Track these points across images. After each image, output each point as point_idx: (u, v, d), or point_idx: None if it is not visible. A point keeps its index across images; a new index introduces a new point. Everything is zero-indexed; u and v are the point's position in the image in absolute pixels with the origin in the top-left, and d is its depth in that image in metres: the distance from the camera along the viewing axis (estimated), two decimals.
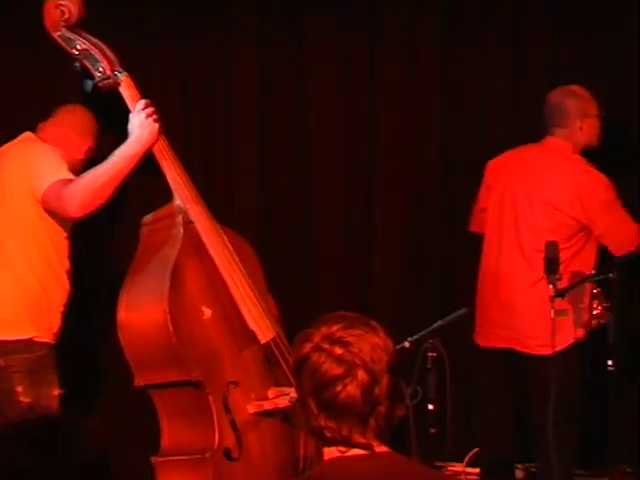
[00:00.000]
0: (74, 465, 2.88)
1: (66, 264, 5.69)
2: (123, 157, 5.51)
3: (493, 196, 6.49)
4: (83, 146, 5.92)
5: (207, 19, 6.93)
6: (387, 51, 7.14)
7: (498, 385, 6.53)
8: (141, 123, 5.52)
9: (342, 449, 3.15)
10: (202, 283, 5.69)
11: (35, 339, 5.56)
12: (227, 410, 5.54)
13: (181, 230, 5.60)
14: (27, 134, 5.85)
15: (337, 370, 3.08)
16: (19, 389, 5.49)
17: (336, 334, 3.11)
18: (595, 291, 6.19)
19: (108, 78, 5.59)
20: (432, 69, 7.20)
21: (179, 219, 5.62)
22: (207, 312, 5.65)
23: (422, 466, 3.55)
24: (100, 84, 5.59)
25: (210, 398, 5.45)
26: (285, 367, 5.65)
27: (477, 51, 7.19)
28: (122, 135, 5.59)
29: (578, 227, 6.28)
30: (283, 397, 5.61)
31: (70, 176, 5.55)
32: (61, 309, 5.68)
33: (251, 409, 5.60)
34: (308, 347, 3.11)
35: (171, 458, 5.47)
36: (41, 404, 5.44)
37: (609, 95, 6.73)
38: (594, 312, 6.21)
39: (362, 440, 3.12)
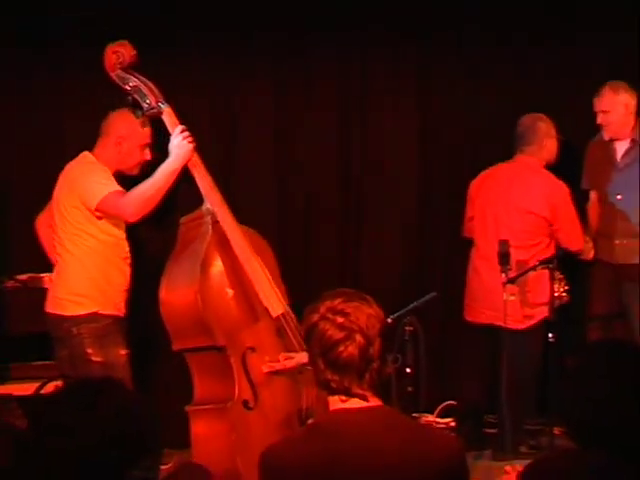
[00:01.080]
0: (112, 426, 3.06)
1: (123, 255, 5.87)
2: (165, 173, 5.76)
3: (477, 207, 6.79)
4: (141, 155, 5.98)
5: (231, 60, 7.10)
6: (375, 84, 7.33)
7: (476, 353, 6.91)
8: (179, 144, 5.77)
9: (343, 398, 3.31)
10: (226, 269, 5.90)
11: (99, 312, 5.74)
12: (245, 369, 5.76)
13: (209, 228, 5.85)
14: (84, 154, 5.92)
15: (339, 335, 3.27)
16: (90, 351, 5.65)
17: (338, 306, 3.31)
18: (559, 277, 6.39)
19: (153, 109, 5.85)
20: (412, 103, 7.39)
21: (208, 219, 5.86)
22: (230, 292, 5.87)
23: (408, 418, 3.68)
24: (147, 113, 5.89)
25: (231, 360, 5.68)
26: (292, 336, 5.92)
27: (451, 81, 7.39)
28: (164, 152, 5.87)
29: (547, 226, 6.59)
30: (290, 360, 5.83)
31: (119, 188, 5.76)
32: (123, 289, 5.88)
33: (265, 369, 5.82)
34: (316, 317, 3.31)
35: (201, 407, 5.71)
36: (110, 362, 5.62)
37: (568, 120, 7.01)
38: (555, 294, 6.35)
39: (359, 391, 3.29)
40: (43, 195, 6.47)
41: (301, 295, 6.46)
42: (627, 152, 6.92)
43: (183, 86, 6.86)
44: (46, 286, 6.24)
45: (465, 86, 7.45)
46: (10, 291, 6.49)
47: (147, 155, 5.94)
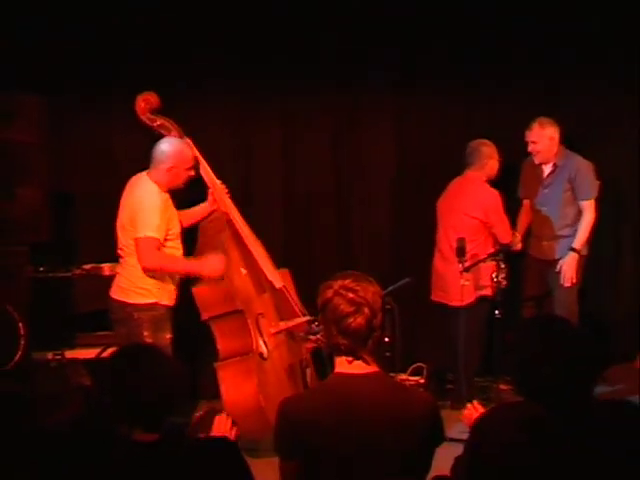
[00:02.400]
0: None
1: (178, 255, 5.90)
2: (186, 270, 5.89)
3: (437, 212, 7.16)
4: (187, 174, 5.94)
5: (247, 98, 7.35)
6: (362, 113, 7.66)
7: (440, 326, 7.23)
8: (214, 267, 5.87)
9: (350, 359, 3.42)
10: (239, 254, 6.22)
11: (158, 303, 5.81)
12: (259, 329, 6.12)
13: (225, 225, 6.21)
14: (145, 177, 5.83)
15: (350, 308, 3.37)
16: (145, 333, 5.70)
17: (349, 285, 3.41)
18: (503, 266, 6.71)
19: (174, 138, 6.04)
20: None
21: (223, 218, 6.23)
22: (243, 271, 6.24)
23: (396, 382, 3.88)
24: None
25: (248, 321, 6.05)
26: (293, 303, 6.38)
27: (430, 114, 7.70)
28: None
29: (482, 225, 6.94)
30: (289, 322, 6.31)
31: (155, 235, 5.68)
32: (176, 283, 5.91)
33: (272, 330, 6.21)
34: (330, 293, 3.42)
35: (226, 361, 6.00)
36: (157, 344, 5.42)
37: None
38: (495, 279, 6.69)
39: (363, 354, 3.42)
40: (100, 201, 6.86)
41: (305, 264, 7.15)
42: (550, 174, 7.13)
43: (209, 118, 7.11)
44: (105, 274, 6.48)
45: (433, 116, 7.77)
46: (77, 278, 6.69)
47: (192, 173, 5.96)
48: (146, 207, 5.72)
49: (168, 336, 5.85)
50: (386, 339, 6.20)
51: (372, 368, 3.46)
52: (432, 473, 3.54)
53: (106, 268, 6.57)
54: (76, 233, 7.09)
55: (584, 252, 7.11)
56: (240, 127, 7.43)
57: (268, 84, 7.33)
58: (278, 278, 6.41)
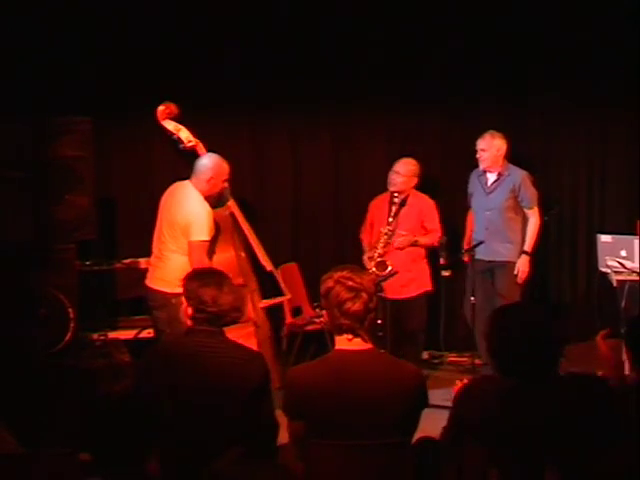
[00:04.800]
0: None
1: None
2: None
3: None
4: (223, 185, 5.93)
5: (261, 123, 7.27)
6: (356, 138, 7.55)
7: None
8: None
9: (350, 337, 3.44)
10: (240, 241, 6.26)
11: None
12: (253, 303, 6.19)
13: (230, 217, 6.22)
14: (189, 185, 5.82)
15: (350, 294, 3.41)
16: (181, 315, 5.37)
17: (347, 275, 3.45)
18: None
19: (191, 143, 6.12)
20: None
21: (227, 213, 6.21)
22: (243, 254, 6.30)
23: (390, 357, 3.76)
24: (187, 147, 6.14)
25: (247, 295, 6.12)
26: (282, 284, 6.50)
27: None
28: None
29: (423, 228, 6.83)
30: (274, 300, 6.46)
31: (208, 239, 5.69)
32: None
33: (260, 304, 6.29)
34: (331, 282, 3.46)
35: (230, 327, 5.66)
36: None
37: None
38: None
39: (360, 332, 3.44)
40: (136, 206, 6.94)
41: (312, 260, 7.11)
42: (494, 182, 6.93)
43: (230, 140, 7.01)
44: (141, 267, 6.44)
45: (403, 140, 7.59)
46: (118, 270, 6.74)
47: (226, 185, 5.96)
48: (201, 214, 5.74)
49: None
50: (379, 321, 6.18)
51: (368, 345, 3.48)
52: (417, 434, 3.58)
53: (142, 262, 6.53)
54: (117, 232, 7.11)
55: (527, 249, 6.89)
56: (253, 139, 7.42)
57: (277, 104, 7.29)
58: (269, 262, 6.45)
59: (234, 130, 7.24)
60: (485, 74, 7.53)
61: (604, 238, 6.79)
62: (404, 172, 6.79)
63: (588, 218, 7.97)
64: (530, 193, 6.92)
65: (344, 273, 3.47)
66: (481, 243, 6.73)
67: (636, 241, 6.60)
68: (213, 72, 7.06)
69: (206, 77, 6.99)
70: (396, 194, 6.76)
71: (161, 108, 6.12)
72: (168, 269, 5.77)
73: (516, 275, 6.85)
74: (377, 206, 6.98)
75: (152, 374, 3.68)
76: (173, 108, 6.13)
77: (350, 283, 3.42)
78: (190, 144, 6.17)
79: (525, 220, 6.92)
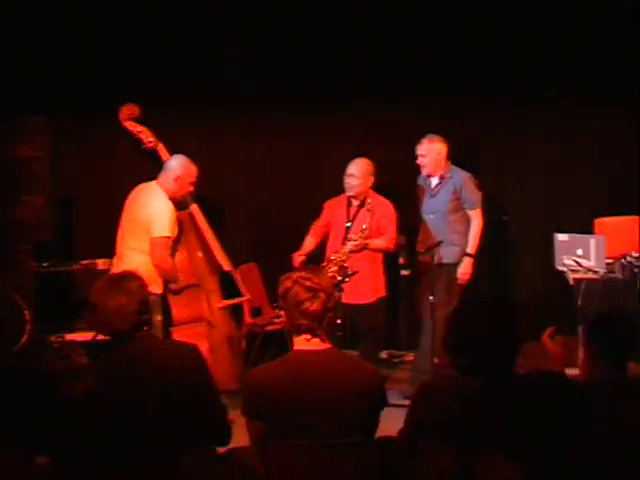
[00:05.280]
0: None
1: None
2: (172, 277, 5.95)
3: None
4: (189, 188, 6.07)
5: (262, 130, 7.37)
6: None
7: None
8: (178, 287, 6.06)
9: (308, 337, 3.45)
10: (198, 241, 6.35)
11: (151, 291, 5.00)
12: (208, 303, 6.26)
13: (187, 217, 6.31)
14: (153, 182, 5.95)
15: (308, 295, 3.42)
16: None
17: (305, 275, 3.47)
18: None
19: (151, 143, 6.24)
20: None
21: (187, 215, 6.29)
22: (200, 254, 6.37)
23: (348, 357, 3.76)
24: (148, 147, 6.25)
25: (203, 295, 6.23)
26: (240, 283, 6.53)
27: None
28: (155, 167, 6.07)
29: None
30: (232, 300, 6.46)
31: (169, 234, 5.81)
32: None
33: (219, 305, 6.34)
34: (290, 282, 3.47)
35: (181, 326, 6.08)
36: (153, 324, 5.33)
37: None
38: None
39: (319, 332, 3.46)
40: (94, 206, 6.93)
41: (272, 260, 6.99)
42: (437, 185, 6.87)
43: (188, 140, 6.94)
44: (99, 268, 6.48)
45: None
46: (76, 271, 6.71)
47: (192, 188, 6.07)
48: (162, 211, 5.83)
49: (159, 318, 5.88)
50: (338, 321, 6.14)
51: (327, 345, 3.49)
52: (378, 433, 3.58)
53: (100, 263, 6.58)
54: (75, 233, 7.10)
55: (448, 260, 6.81)
56: (208, 139, 7.40)
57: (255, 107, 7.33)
58: (227, 262, 6.47)
59: (193, 131, 7.22)
60: (452, 75, 7.53)
61: (561, 237, 6.77)
62: (359, 173, 6.73)
63: (545, 218, 7.96)
64: (472, 195, 6.86)
65: (302, 273, 3.49)
66: (440, 243, 6.69)
67: (592, 240, 6.62)
68: (180, 72, 7.07)
69: (170, 76, 7.02)
70: (352, 196, 6.72)
71: (123, 109, 6.21)
72: (129, 268, 5.66)
73: (456, 278, 6.77)
74: (333, 208, 6.92)
75: (111, 375, 3.59)
76: (135, 109, 6.24)
77: (308, 283, 3.43)
78: (151, 145, 6.26)
79: (468, 222, 6.84)
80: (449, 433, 3.25)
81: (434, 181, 6.91)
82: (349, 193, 6.74)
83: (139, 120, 6.23)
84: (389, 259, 6.95)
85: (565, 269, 6.71)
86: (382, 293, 6.83)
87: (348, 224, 6.73)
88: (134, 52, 6.90)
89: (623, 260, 6.50)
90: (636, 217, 6.96)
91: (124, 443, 3.08)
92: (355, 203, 6.77)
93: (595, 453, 2.78)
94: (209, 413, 3.63)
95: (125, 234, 5.90)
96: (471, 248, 6.79)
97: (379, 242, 6.72)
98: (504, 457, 2.94)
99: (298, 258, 6.71)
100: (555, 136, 7.87)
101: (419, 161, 6.82)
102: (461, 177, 6.86)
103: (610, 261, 6.55)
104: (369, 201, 6.59)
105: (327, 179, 7.40)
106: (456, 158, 7.24)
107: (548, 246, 7.07)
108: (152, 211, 5.81)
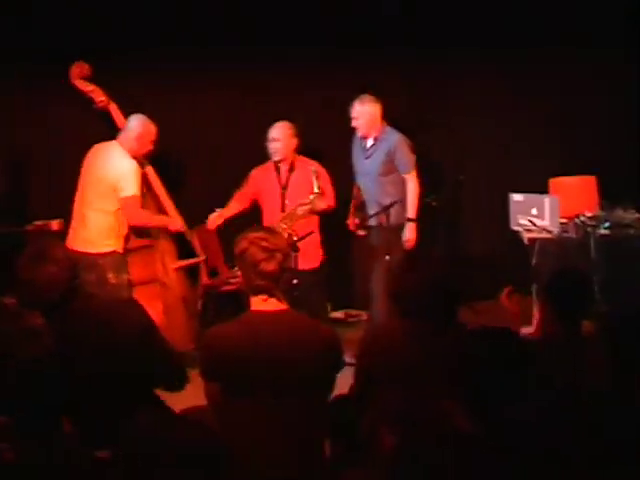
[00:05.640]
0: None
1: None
2: (158, 224, 6.19)
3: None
4: (149, 146, 6.05)
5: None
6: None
7: None
8: (177, 222, 6.27)
9: (265, 297, 3.45)
10: (152, 202, 6.35)
11: (116, 250, 5.89)
12: (163, 263, 6.29)
13: (144, 178, 6.17)
14: (114, 142, 5.97)
15: (264, 255, 3.41)
16: (110, 275, 5.80)
17: (261, 236, 3.46)
18: None
19: (102, 102, 6.20)
20: None
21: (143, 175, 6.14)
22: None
23: (304, 317, 3.69)
24: (99, 106, 6.22)
25: (157, 256, 6.27)
26: (195, 242, 6.54)
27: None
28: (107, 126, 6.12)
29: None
30: (187, 261, 6.50)
31: (138, 193, 5.87)
32: (124, 234, 5.98)
33: (173, 266, 6.37)
34: (246, 243, 3.46)
35: (139, 286, 6.02)
36: (119, 283, 5.79)
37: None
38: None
39: (276, 292, 3.46)
40: (47, 165, 6.79)
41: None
42: (371, 147, 6.74)
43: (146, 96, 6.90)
44: (54, 229, 6.34)
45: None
46: (30, 232, 6.43)
47: (152, 147, 6.04)
48: (128, 170, 5.84)
49: (125, 277, 5.94)
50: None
51: (283, 306, 3.50)
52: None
53: (54, 224, 6.44)
54: (27, 195, 6.90)
55: (401, 220, 6.67)
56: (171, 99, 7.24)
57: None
58: (181, 220, 6.46)
59: (146, 90, 7.06)
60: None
61: (516, 197, 6.81)
62: (281, 136, 6.60)
63: (501, 178, 7.99)
64: (407, 157, 6.72)
65: (259, 234, 3.48)
66: (394, 203, 6.55)
67: (546, 200, 6.65)
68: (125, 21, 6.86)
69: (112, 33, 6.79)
70: (279, 161, 6.62)
71: (74, 68, 6.15)
72: (92, 229, 5.85)
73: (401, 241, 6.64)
74: (261, 176, 6.78)
75: (66, 335, 3.53)
76: (85, 68, 6.17)
77: (265, 244, 3.43)
78: (102, 104, 6.21)
79: (401, 185, 6.70)
80: (397, 375, 3.41)
81: (369, 142, 6.79)
82: (275, 158, 6.63)
83: (90, 79, 6.17)
84: (338, 218, 6.90)
85: (520, 229, 6.76)
86: (322, 256, 6.77)
87: (283, 190, 6.63)
88: (79, 10, 6.71)
89: (577, 220, 6.58)
90: (591, 177, 7.05)
91: (81, 401, 3.12)
92: (284, 168, 6.67)
93: (545, 410, 2.80)
94: (160, 359, 3.62)
95: (86, 195, 5.89)
96: (412, 213, 6.65)
97: (322, 203, 6.51)
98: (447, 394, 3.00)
99: (215, 220, 6.62)
100: (513, 95, 7.91)
101: (353, 123, 6.71)
102: (395, 139, 6.73)
103: (564, 221, 6.61)
104: (313, 169, 6.28)
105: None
106: (412, 118, 7.32)
107: (503, 206, 7.11)
108: (119, 171, 5.83)
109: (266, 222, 6.48)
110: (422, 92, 7.77)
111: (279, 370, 3.37)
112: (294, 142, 6.65)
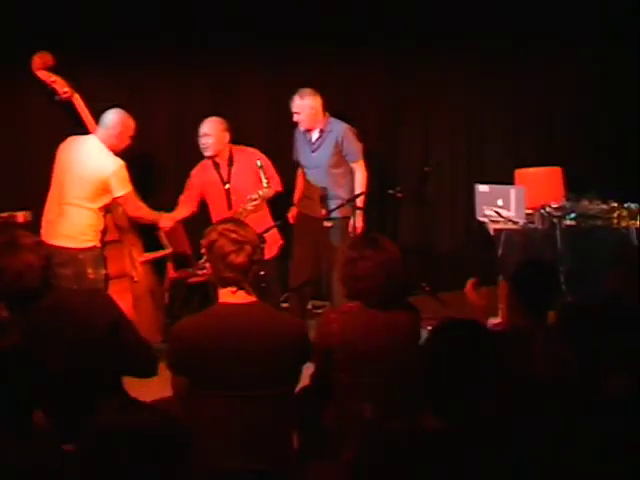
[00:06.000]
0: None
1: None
2: (151, 219, 6.13)
3: None
4: (128, 142, 5.95)
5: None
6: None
7: None
8: (167, 218, 6.23)
9: (234, 289, 3.44)
10: None
11: (96, 245, 5.84)
12: (131, 257, 6.22)
13: None
14: (91, 136, 5.89)
15: (233, 247, 3.41)
16: (89, 271, 5.75)
17: (230, 227, 3.45)
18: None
19: (66, 93, 6.02)
20: None
21: None
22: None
23: (271, 310, 3.67)
24: (63, 97, 6.03)
25: (125, 250, 6.18)
26: (160, 236, 6.50)
27: None
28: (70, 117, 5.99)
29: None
30: (154, 253, 6.44)
31: (130, 188, 5.82)
32: (102, 229, 5.89)
33: (140, 259, 6.30)
34: (215, 234, 3.45)
35: (112, 280, 5.98)
36: (97, 278, 5.75)
37: None
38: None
39: (244, 285, 3.45)
40: (10, 156, 6.75)
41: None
42: (317, 140, 6.71)
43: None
44: (20, 221, 6.27)
45: None
46: None
47: (130, 142, 5.95)
48: (117, 168, 5.79)
49: (103, 272, 5.92)
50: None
51: (252, 298, 3.48)
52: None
53: (20, 216, 6.37)
54: None
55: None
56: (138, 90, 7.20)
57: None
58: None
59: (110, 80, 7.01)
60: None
61: (482, 188, 6.79)
62: (212, 131, 6.45)
63: (467, 169, 8.05)
64: (354, 146, 6.72)
65: (228, 226, 3.47)
66: (362, 194, 6.56)
67: (512, 191, 6.65)
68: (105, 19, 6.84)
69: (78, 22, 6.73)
70: (214, 157, 6.50)
71: (35, 58, 6.01)
72: (71, 224, 5.79)
73: (350, 231, 6.58)
74: (201, 174, 6.63)
75: (32, 328, 3.46)
76: (47, 58, 6.02)
77: (234, 235, 3.42)
78: (66, 95, 6.07)
79: (351, 175, 6.72)
80: (355, 358, 3.59)
81: (314, 135, 6.75)
82: (207, 153, 6.49)
83: (53, 69, 6.05)
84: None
85: (486, 220, 6.76)
86: (280, 241, 6.71)
87: (227, 186, 6.54)
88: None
89: (542, 210, 6.58)
90: (557, 167, 7.06)
91: (50, 395, 3.04)
92: (223, 163, 6.55)
93: (511, 403, 2.82)
94: (130, 348, 3.59)
95: (67, 191, 5.81)
96: (360, 201, 6.65)
97: (270, 191, 6.35)
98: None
99: (167, 223, 6.46)
100: (481, 85, 7.92)
101: (295, 118, 6.67)
102: (341, 129, 6.71)
103: (530, 212, 6.62)
104: (259, 164, 6.19)
105: (252, 128, 7.30)
106: (379, 109, 7.33)
107: (469, 197, 7.12)
108: (107, 172, 5.76)
109: (215, 220, 6.22)
110: (391, 83, 7.75)
111: (247, 363, 3.36)
112: (226, 136, 6.51)
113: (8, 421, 2.70)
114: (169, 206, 6.55)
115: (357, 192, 6.64)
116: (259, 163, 6.18)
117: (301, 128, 6.74)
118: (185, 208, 6.60)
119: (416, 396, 2.72)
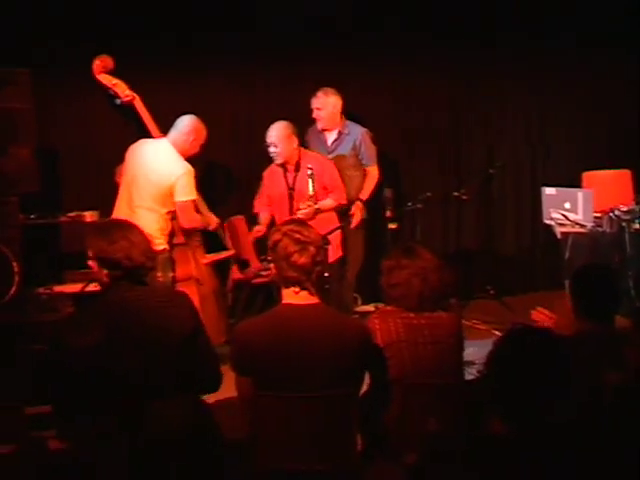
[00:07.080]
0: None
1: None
2: (204, 226, 6.10)
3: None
4: (198, 149, 5.97)
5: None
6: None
7: None
8: (214, 221, 6.21)
9: (297, 290, 3.45)
10: None
11: (166, 248, 5.84)
12: (195, 260, 6.22)
13: None
14: (164, 140, 5.89)
15: (297, 247, 3.43)
16: (159, 274, 5.70)
17: (294, 228, 3.48)
18: None
19: (128, 97, 6.02)
20: None
21: None
22: None
23: (335, 312, 3.68)
24: (124, 101, 6.03)
25: (189, 253, 6.17)
26: (228, 238, 6.57)
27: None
28: (131, 120, 6.01)
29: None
30: (217, 255, 6.46)
31: (193, 197, 5.83)
32: (169, 232, 5.90)
33: (204, 261, 6.31)
34: (279, 235, 3.49)
35: (179, 283, 5.96)
36: (166, 281, 5.74)
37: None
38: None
39: (307, 285, 3.45)
40: (81, 158, 6.87)
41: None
42: (334, 140, 6.77)
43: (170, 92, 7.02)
44: (87, 220, 6.43)
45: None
46: (63, 223, 6.63)
47: (199, 149, 5.95)
48: (185, 173, 5.78)
49: (171, 274, 5.93)
50: (325, 274, 5.81)
51: (315, 299, 3.48)
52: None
53: (87, 215, 6.51)
54: (61, 186, 6.97)
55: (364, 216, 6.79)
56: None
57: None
58: (214, 220, 6.38)
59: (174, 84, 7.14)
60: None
61: (548, 191, 6.73)
62: (278, 139, 6.38)
63: (533, 171, 7.99)
64: (370, 150, 6.79)
65: (292, 226, 3.49)
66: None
67: (580, 194, 6.56)
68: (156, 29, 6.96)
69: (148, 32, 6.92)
70: (286, 164, 6.47)
71: (96, 62, 6.03)
72: (145, 227, 5.61)
73: (354, 223, 6.71)
74: (270, 177, 6.66)
75: (116, 326, 3.54)
76: (108, 61, 6.05)
77: (297, 236, 3.44)
78: (127, 98, 6.07)
79: (364, 178, 6.79)
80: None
81: (330, 137, 6.79)
82: (277, 162, 6.47)
83: (114, 73, 6.06)
84: (376, 212, 6.87)
85: (552, 223, 6.68)
86: (340, 253, 6.64)
87: (291, 190, 6.52)
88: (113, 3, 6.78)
89: (611, 214, 6.47)
90: (626, 170, 6.97)
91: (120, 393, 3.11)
92: (290, 168, 6.51)
93: (579, 409, 2.76)
94: (200, 359, 3.61)
95: (138, 193, 5.83)
96: (363, 194, 6.73)
97: (329, 202, 6.45)
98: None
99: (256, 235, 6.60)
100: (546, 89, 7.88)
101: (315, 115, 6.68)
102: (359, 132, 6.80)
103: (598, 215, 6.52)
104: (309, 166, 6.15)
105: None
106: (442, 111, 7.34)
107: (536, 200, 7.07)
108: (176, 175, 5.77)
109: (278, 222, 6.25)
110: (455, 86, 7.73)
111: (310, 364, 3.36)
112: (293, 141, 6.43)
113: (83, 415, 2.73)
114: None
115: (366, 188, 6.70)
116: (309, 171, 6.13)
117: (318, 126, 6.75)
118: (265, 213, 6.66)
119: (479, 401, 2.74)
